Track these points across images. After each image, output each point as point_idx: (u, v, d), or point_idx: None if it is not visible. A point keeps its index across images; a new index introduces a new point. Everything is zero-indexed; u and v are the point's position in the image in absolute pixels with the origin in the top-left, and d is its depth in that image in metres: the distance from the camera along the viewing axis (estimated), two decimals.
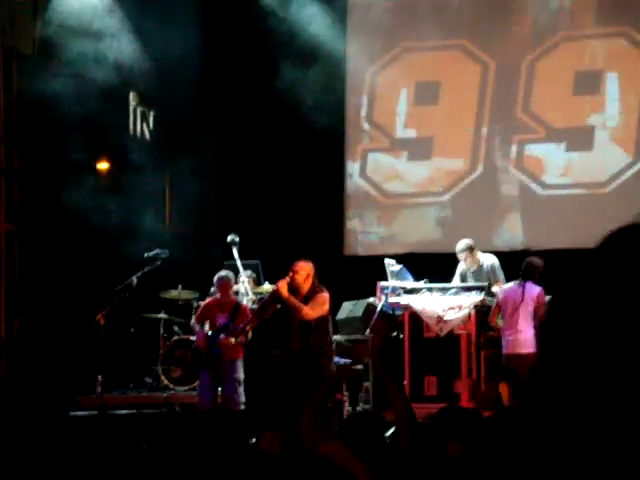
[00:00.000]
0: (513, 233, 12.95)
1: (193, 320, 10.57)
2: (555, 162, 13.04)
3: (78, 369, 11.72)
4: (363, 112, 13.64)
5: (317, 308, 9.27)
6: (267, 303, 9.76)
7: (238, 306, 10.20)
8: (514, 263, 11.64)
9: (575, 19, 12.94)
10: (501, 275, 10.76)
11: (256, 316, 9.79)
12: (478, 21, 13.27)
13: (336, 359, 10.46)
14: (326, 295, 9.35)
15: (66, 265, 12.42)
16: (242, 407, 9.91)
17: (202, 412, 9.81)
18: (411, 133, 13.51)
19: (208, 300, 10.56)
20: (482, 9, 13.29)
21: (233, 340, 9.85)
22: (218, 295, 10.33)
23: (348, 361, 10.87)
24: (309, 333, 9.33)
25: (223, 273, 10.32)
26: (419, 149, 13.43)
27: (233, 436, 7.62)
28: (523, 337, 9.53)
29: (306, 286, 9.32)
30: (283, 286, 9.27)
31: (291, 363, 9.37)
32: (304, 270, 9.32)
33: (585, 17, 12.88)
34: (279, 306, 9.55)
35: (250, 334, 9.97)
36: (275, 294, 9.51)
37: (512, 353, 9.52)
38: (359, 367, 10.84)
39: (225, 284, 10.22)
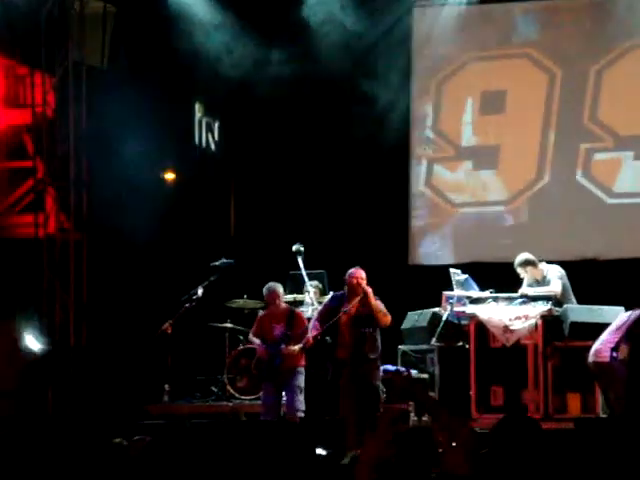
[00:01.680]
0: (581, 242, 12.82)
1: (250, 335, 10.61)
2: (623, 171, 12.91)
3: (146, 378, 11.83)
4: (429, 122, 13.62)
5: (388, 315, 9.48)
6: (327, 312, 9.84)
7: (292, 314, 10.23)
8: (583, 272, 11.56)
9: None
10: (557, 286, 10.57)
11: (321, 322, 9.86)
12: (544, 29, 13.21)
13: (402, 368, 10.47)
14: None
15: (134, 275, 12.56)
16: (302, 414, 9.95)
17: (265, 422, 9.86)
18: (477, 142, 13.46)
19: (262, 313, 10.61)
20: (548, 17, 13.21)
21: (297, 349, 9.91)
22: (271, 307, 10.38)
23: (413, 372, 10.84)
24: (361, 342, 9.50)
25: (269, 285, 10.35)
26: (485, 158, 13.38)
27: (295, 446, 7.64)
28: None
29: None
30: (370, 291, 9.48)
31: (339, 372, 9.51)
32: (362, 274, 9.55)
33: None
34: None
35: (310, 343, 9.99)
36: (336, 300, 9.63)
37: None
38: (424, 376, 10.80)
39: (273, 295, 10.27)
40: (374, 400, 9.49)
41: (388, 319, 9.59)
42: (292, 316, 10.21)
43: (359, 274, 9.62)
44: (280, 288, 10.40)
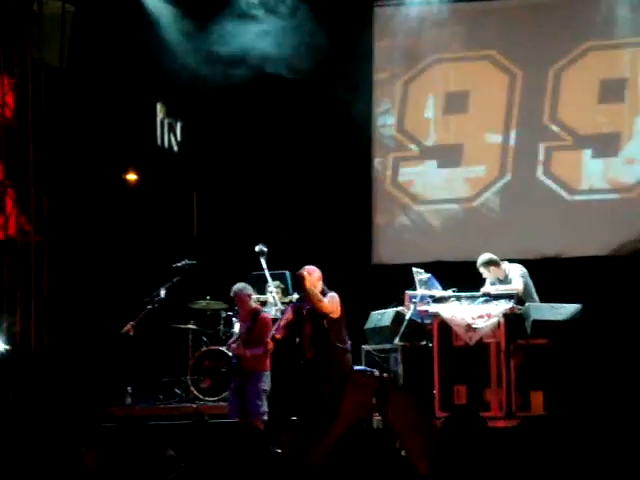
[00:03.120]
0: (543, 240, 12.90)
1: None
2: (582, 168, 13.04)
3: (109, 380, 11.76)
4: (392, 121, 13.68)
5: (332, 304, 9.35)
6: (293, 314, 9.74)
7: (256, 316, 10.20)
8: (545, 271, 11.62)
9: (602, 29, 12.97)
10: (519, 284, 10.62)
11: (285, 327, 9.73)
12: (506, 31, 13.33)
13: (363, 368, 10.46)
14: (337, 296, 9.43)
15: (95, 276, 12.48)
16: (264, 417, 9.90)
17: (229, 424, 9.83)
18: (441, 141, 13.54)
19: (240, 311, 10.65)
20: (510, 20, 13.33)
21: (248, 353, 9.88)
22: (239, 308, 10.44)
23: (375, 371, 10.84)
24: (322, 335, 9.36)
25: (235, 286, 10.34)
26: (449, 156, 13.46)
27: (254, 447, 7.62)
28: None
29: (319, 289, 9.40)
30: (306, 276, 9.31)
31: (308, 372, 9.41)
32: (316, 272, 9.44)
33: (611, 28, 12.90)
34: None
35: (271, 346, 9.89)
36: (298, 304, 9.55)
37: None
38: (388, 376, 10.80)
39: (237, 297, 10.28)
40: (334, 397, 9.38)
41: (323, 305, 9.28)
42: (255, 318, 10.19)
43: (304, 269, 9.44)
44: (245, 289, 10.38)
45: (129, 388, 11.40)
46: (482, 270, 10.83)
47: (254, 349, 9.92)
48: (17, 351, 11.60)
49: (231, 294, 10.37)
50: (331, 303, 9.37)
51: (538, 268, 11.29)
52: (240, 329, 10.30)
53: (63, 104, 12.51)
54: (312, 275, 9.41)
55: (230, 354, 10.46)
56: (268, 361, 10.05)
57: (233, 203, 13.74)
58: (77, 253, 12.48)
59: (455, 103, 13.48)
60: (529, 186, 13.20)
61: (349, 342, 9.69)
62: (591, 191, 12.98)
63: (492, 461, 4.23)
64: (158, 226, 13.31)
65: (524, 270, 10.81)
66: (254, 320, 10.11)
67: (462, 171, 13.44)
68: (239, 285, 10.33)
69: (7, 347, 11.51)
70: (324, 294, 9.43)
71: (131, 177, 13.82)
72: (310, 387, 9.43)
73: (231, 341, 10.48)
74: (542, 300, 10.70)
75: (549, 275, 11.56)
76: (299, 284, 9.49)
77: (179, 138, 14.32)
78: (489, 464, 4.22)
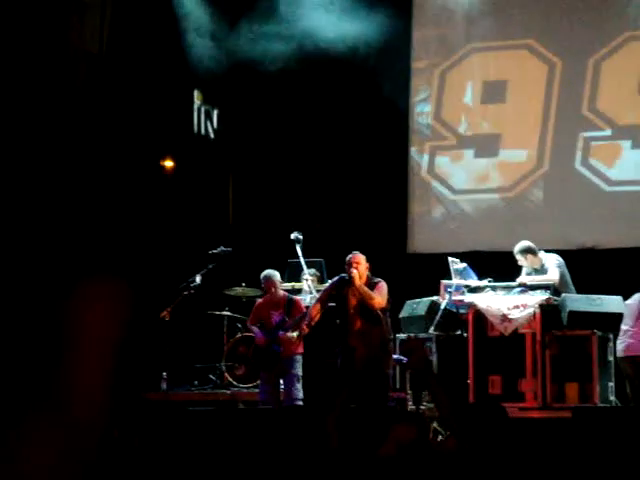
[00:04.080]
0: (580, 231, 12.84)
1: (248, 323, 10.64)
2: (621, 159, 12.95)
3: (144, 366, 11.83)
4: (429, 110, 13.66)
5: (384, 297, 9.35)
6: (329, 294, 9.70)
7: (291, 301, 10.26)
8: (582, 261, 11.56)
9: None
10: (555, 274, 10.55)
11: (320, 309, 9.69)
12: (544, 20, 13.25)
13: (399, 357, 10.46)
14: (385, 284, 9.42)
15: (132, 263, 12.53)
16: (300, 402, 9.95)
17: (264, 410, 9.85)
18: (478, 130, 13.49)
19: (259, 300, 10.62)
20: (549, 9, 13.25)
21: (295, 334, 9.87)
22: (268, 294, 10.39)
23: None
24: (374, 325, 9.33)
25: (266, 272, 10.39)
26: (486, 146, 13.42)
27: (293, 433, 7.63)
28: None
29: (365, 278, 9.39)
30: (357, 275, 9.30)
31: (350, 359, 9.35)
32: (363, 261, 9.43)
33: None
34: (333, 303, 9.57)
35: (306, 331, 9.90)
36: (342, 283, 9.50)
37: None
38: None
39: (270, 282, 10.29)
40: (383, 388, 9.39)
41: (375, 302, 9.29)
42: (290, 303, 10.24)
43: (353, 258, 9.45)
44: (277, 275, 10.43)
45: (164, 374, 11.47)
46: (519, 257, 10.78)
47: (300, 331, 9.90)
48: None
49: (262, 279, 10.39)
50: (382, 296, 9.36)
51: (575, 259, 11.24)
52: (271, 317, 10.25)
53: (101, 91, 12.55)
54: (361, 264, 9.41)
55: (257, 344, 10.35)
56: (301, 346, 10.09)
57: (269, 190, 13.77)
58: (114, 239, 12.53)
59: (493, 92, 13.43)
60: (567, 176, 13.13)
61: (391, 332, 9.70)
62: (630, 182, 12.89)
63: (513, 451, 4.23)
64: (194, 213, 13.36)
65: (561, 260, 10.75)
66: (290, 306, 10.15)
67: (499, 161, 13.41)
68: (270, 271, 10.37)
69: None
70: (372, 282, 9.42)
71: (168, 164, 13.87)
72: (350, 376, 9.38)
73: (256, 331, 10.35)
74: (579, 291, 10.64)
75: (586, 266, 11.51)
76: (349, 282, 9.46)
77: (215, 125, 14.34)
78: (509, 454, 4.22)
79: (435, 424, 9.48)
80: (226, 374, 11.70)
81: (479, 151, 13.47)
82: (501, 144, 13.36)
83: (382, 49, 12.93)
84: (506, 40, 13.45)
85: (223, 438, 7.98)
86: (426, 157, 13.66)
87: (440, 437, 9.23)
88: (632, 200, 12.80)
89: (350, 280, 9.38)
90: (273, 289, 10.35)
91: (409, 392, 10.61)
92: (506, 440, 4.33)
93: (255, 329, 10.37)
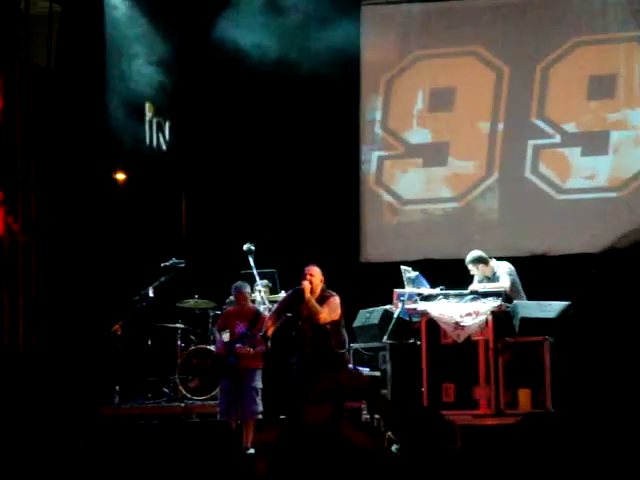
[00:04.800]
0: (531, 238, 12.90)
1: (215, 328, 10.68)
2: (571, 166, 13.02)
3: (97, 380, 11.74)
4: (378, 119, 13.65)
5: (332, 312, 9.42)
6: (286, 305, 9.78)
7: (257, 315, 10.27)
8: (533, 268, 11.63)
9: (588, 24, 12.96)
10: (507, 282, 10.61)
11: (275, 320, 9.77)
12: (491, 27, 13.29)
13: (352, 366, 10.48)
14: (338, 299, 9.54)
15: (83, 276, 12.45)
16: (259, 416, 9.93)
17: (219, 422, 9.82)
18: (426, 139, 13.51)
19: (229, 308, 10.66)
20: (495, 15, 13.30)
21: (252, 350, 9.90)
22: (238, 305, 10.44)
23: (365, 369, 10.85)
24: (323, 338, 9.41)
25: (239, 283, 10.47)
26: (435, 155, 13.43)
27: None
28: None
29: (318, 290, 9.46)
30: (307, 287, 9.38)
31: (305, 368, 9.41)
32: (318, 274, 9.51)
33: (599, 23, 12.89)
34: (289, 314, 9.62)
35: (269, 343, 9.96)
36: (296, 296, 9.57)
37: None
38: (376, 374, 10.81)
39: (241, 294, 10.33)
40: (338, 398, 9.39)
41: (321, 316, 9.44)
42: (256, 317, 10.25)
43: (307, 270, 9.59)
44: (247, 287, 10.54)
45: (117, 387, 11.39)
46: (470, 267, 10.84)
47: (258, 347, 9.94)
48: (4, 352, 11.57)
49: (232, 291, 10.44)
50: (330, 311, 9.46)
51: (526, 266, 11.30)
52: (236, 328, 10.26)
53: (51, 104, 12.47)
54: (315, 277, 9.49)
55: (217, 353, 10.40)
56: (260, 359, 10.09)
57: (221, 202, 13.74)
58: (65, 253, 12.44)
59: (441, 100, 13.43)
60: (517, 185, 13.18)
61: (348, 344, 9.75)
62: (580, 190, 12.96)
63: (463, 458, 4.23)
64: (147, 225, 13.29)
65: (512, 268, 10.82)
66: (256, 319, 10.15)
67: (448, 170, 13.41)
68: (240, 283, 10.45)
69: None
70: (325, 296, 9.51)
71: (120, 176, 13.79)
72: (304, 385, 9.42)
73: (219, 339, 10.45)
74: (530, 298, 10.70)
75: (536, 273, 11.58)
76: (300, 294, 9.53)
77: (167, 138, 14.29)
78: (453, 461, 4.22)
79: (389, 433, 9.48)
80: (180, 387, 11.64)
81: (427, 160, 13.47)
82: (450, 152, 13.37)
83: (331, 59, 12.93)
84: (453, 47, 13.45)
85: (175, 452, 7.94)
86: (375, 167, 13.66)
87: (395, 446, 9.23)
88: (582, 207, 12.88)
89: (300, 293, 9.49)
90: (242, 301, 10.37)
91: (363, 402, 10.59)
92: (445, 445, 4.32)
93: (218, 337, 10.40)
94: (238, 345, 10.06)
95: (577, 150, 13.00)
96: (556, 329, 10.19)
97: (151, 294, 11.36)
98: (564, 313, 10.24)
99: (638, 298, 1.81)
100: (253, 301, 11.29)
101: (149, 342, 12.14)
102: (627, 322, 1.80)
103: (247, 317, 10.23)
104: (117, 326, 11.04)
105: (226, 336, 10.35)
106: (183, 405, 11.45)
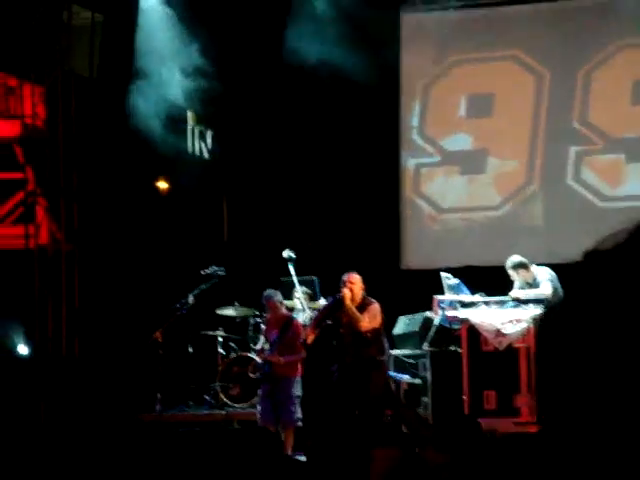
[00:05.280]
0: (572, 245, 12.75)
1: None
2: (614, 173, 12.85)
3: (138, 387, 11.80)
4: (415, 125, 13.59)
5: (372, 319, 9.41)
6: (326, 313, 9.79)
7: (288, 322, 10.23)
8: (574, 276, 11.50)
9: (631, 27, 12.79)
10: (548, 288, 10.50)
11: (315, 328, 9.78)
12: (530, 30, 13.17)
13: (393, 373, 10.46)
14: (378, 306, 9.51)
15: (125, 284, 12.53)
16: (298, 424, 9.91)
17: (260, 429, 9.84)
18: (465, 145, 13.42)
19: (267, 316, 10.67)
20: (535, 20, 13.19)
21: (282, 359, 9.88)
22: (271, 312, 10.45)
23: (405, 376, 10.82)
24: (363, 345, 9.40)
25: (268, 292, 10.42)
26: (473, 162, 13.34)
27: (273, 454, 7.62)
28: None
29: (359, 298, 9.44)
30: (347, 295, 9.37)
31: (346, 376, 9.40)
32: (358, 281, 9.49)
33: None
34: (330, 322, 9.62)
35: (304, 353, 9.95)
36: (336, 303, 9.56)
37: None
38: (417, 381, 10.77)
39: (270, 302, 10.32)
40: (377, 404, 9.41)
41: (362, 324, 9.44)
42: (287, 324, 10.21)
43: (348, 278, 9.57)
44: (277, 295, 10.45)
45: (159, 395, 11.43)
46: (511, 272, 10.75)
47: (288, 356, 9.93)
48: (48, 359, 11.67)
49: (262, 300, 10.43)
50: (370, 319, 9.45)
51: (567, 272, 11.17)
52: (270, 336, 10.28)
53: (93, 113, 12.58)
54: (356, 285, 9.47)
55: (260, 361, 10.44)
56: (299, 367, 10.07)
57: (262, 210, 13.77)
58: (107, 261, 12.53)
59: (479, 106, 13.33)
60: (558, 192, 13.04)
61: (388, 351, 9.72)
62: (624, 198, 12.77)
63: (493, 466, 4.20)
64: (188, 233, 13.35)
65: (553, 274, 10.71)
66: (287, 326, 10.13)
67: (487, 177, 13.32)
68: (270, 291, 10.40)
69: (27, 351, 11.62)
70: (365, 304, 9.49)
71: (162, 185, 13.88)
72: (345, 394, 9.44)
73: (258, 348, 10.50)
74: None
75: (577, 280, 11.44)
76: (340, 302, 9.52)
77: (210, 146, 14.36)
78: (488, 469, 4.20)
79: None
80: (221, 394, 11.65)
81: (466, 167, 13.37)
82: (489, 159, 13.26)
83: (371, 65, 12.92)
84: (492, 52, 13.34)
85: (216, 458, 7.95)
86: (413, 174, 13.59)
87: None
88: (625, 215, 12.69)
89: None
90: (273, 309, 10.36)
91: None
92: (483, 454, 4.30)
93: (259, 346, 10.53)
94: (268, 353, 10.08)
95: (621, 157, 12.82)
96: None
97: (191, 301, 11.39)
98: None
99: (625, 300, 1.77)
100: (292, 308, 11.29)
101: (190, 349, 12.17)
102: (618, 324, 1.77)
103: (279, 324, 10.23)
104: (158, 333, 11.08)
105: (260, 344, 10.38)
106: (224, 412, 11.46)
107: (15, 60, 12.27)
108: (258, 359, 10.58)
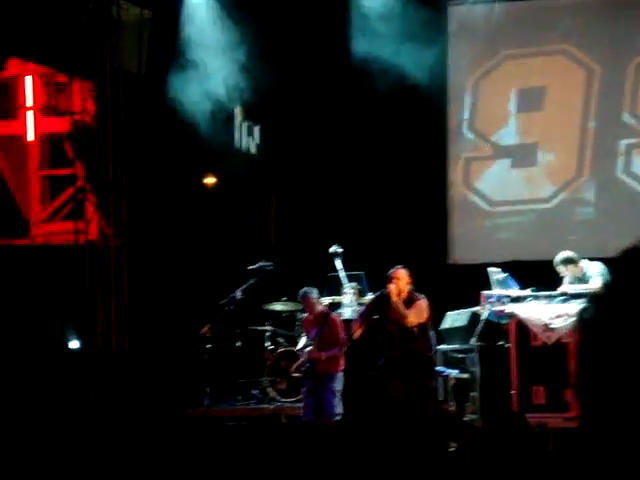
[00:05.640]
0: (622, 238, 12.62)
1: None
2: None
3: (187, 382, 11.87)
4: (465, 120, 13.56)
5: (419, 315, 9.35)
6: (372, 308, 9.76)
7: (326, 318, 10.23)
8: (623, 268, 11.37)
9: None
10: (598, 282, 10.39)
11: (362, 323, 9.74)
12: (581, 25, 13.10)
13: (441, 369, 10.43)
14: (425, 302, 9.46)
15: (173, 279, 12.61)
16: (337, 418, 9.91)
17: (303, 424, 9.88)
18: (515, 140, 13.37)
19: (306, 314, 10.67)
20: (586, 13, 13.10)
21: (323, 355, 9.91)
22: (308, 310, 10.51)
23: (454, 372, 10.78)
24: (410, 340, 9.36)
25: (303, 289, 10.45)
26: (523, 156, 13.28)
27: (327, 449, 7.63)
28: None
29: (406, 292, 9.40)
30: (394, 290, 9.33)
31: (393, 371, 9.37)
32: (405, 276, 9.44)
33: None
34: (376, 317, 9.59)
35: (345, 347, 9.96)
36: (382, 298, 9.53)
37: None
38: (466, 376, 10.73)
39: (306, 299, 10.33)
40: (425, 399, 9.38)
41: (408, 320, 9.37)
42: (324, 319, 10.23)
43: (394, 274, 9.52)
44: (313, 292, 10.44)
45: (207, 389, 11.50)
46: (559, 268, 10.66)
47: (329, 351, 9.95)
48: (98, 354, 11.79)
49: (298, 298, 10.47)
50: (417, 314, 9.39)
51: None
52: (310, 333, 10.31)
53: (142, 109, 12.66)
54: (401, 280, 9.43)
55: (302, 358, 10.44)
56: (342, 361, 10.07)
57: (310, 205, 13.77)
58: (156, 256, 12.62)
59: (530, 100, 13.27)
60: (608, 185, 12.95)
61: (435, 346, 9.67)
62: None
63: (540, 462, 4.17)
64: (236, 229, 13.40)
65: (604, 268, 10.60)
66: (325, 322, 10.14)
67: (537, 171, 13.24)
68: (306, 289, 10.43)
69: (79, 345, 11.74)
70: (412, 299, 9.44)
71: (209, 180, 13.93)
72: (391, 386, 9.40)
73: (299, 347, 10.55)
74: None
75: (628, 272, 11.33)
76: (386, 297, 9.48)
77: (257, 141, 14.38)
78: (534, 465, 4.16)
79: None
80: (269, 389, 11.69)
81: (516, 161, 13.32)
82: (539, 153, 13.20)
83: (419, 60, 12.88)
84: (542, 46, 13.27)
85: (265, 453, 7.98)
86: (462, 168, 13.56)
87: None
88: None
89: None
90: (309, 307, 10.39)
91: (452, 404, 10.54)
92: (528, 450, 4.27)
93: (300, 345, 10.51)
94: (309, 349, 10.10)
95: None
96: None
97: (239, 296, 11.43)
98: None
99: None
100: (340, 304, 11.30)
101: (238, 344, 12.22)
102: None
103: (318, 321, 10.25)
104: (206, 328, 11.14)
105: (302, 342, 10.41)
106: (272, 407, 11.49)
107: (64, 56, 12.39)
108: (300, 358, 10.56)
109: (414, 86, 12.86)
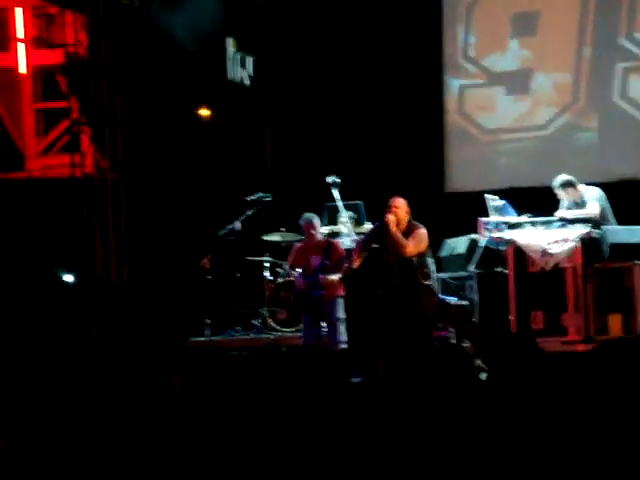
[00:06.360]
0: (619, 163, 12.67)
1: (288, 266, 10.69)
2: None
3: (187, 313, 11.93)
4: (459, 47, 13.47)
5: (418, 244, 9.36)
6: (371, 237, 9.75)
7: (330, 245, 10.25)
8: (622, 194, 11.43)
9: None
10: (595, 208, 10.43)
11: (360, 253, 9.72)
12: None
13: (441, 296, 10.47)
14: (424, 231, 9.44)
15: (170, 211, 12.61)
16: (343, 346, 9.97)
17: (305, 348, 9.92)
18: (510, 66, 13.28)
19: (298, 244, 10.62)
20: None
21: (335, 277, 9.90)
22: (307, 238, 10.41)
23: (452, 299, 10.84)
24: (409, 270, 9.37)
25: (305, 215, 10.39)
26: (519, 82, 13.22)
27: (334, 375, 7.68)
28: None
29: (404, 222, 9.39)
30: (392, 220, 9.32)
31: (392, 299, 9.40)
32: (403, 205, 9.42)
33: None
34: (375, 246, 9.59)
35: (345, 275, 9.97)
36: (381, 228, 9.52)
37: None
38: (464, 303, 10.79)
39: (309, 226, 10.29)
40: (424, 328, 9.43)
41: (406, 250, 9.30)
42: (329, 247, 10.23)
43: (392, 202, 9.47)
44: (316, 219, 10.42)
45: (207, 320, 11.55)
46: (558, 191, 10.67)
47: (339, 273, 9.94)
48: (97, 286, 11.83)
49: (300, 222, 10.41)
50: (416, 244, 9.36)
51: (615, 191, 11.11)
52: (312, 261, 10.26)
53: (135, 41, 12.56)
54: (400, 209, 9.42)
55: (299, 290, 10.35)
56: (343, 288, 10.10)
57: (306, 135, 13.73)
58: (153, 189, 12.61)
59: (523, 24, 13.13)
60: (604, 110, 12.90)
61: (434, 274, 9.67)
62: None
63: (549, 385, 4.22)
64: (232, 160, 13.37)
65: (601, 193, 10.63)
66: (329, 249, 10.15)
67: (533, 97, 13.17)
68: (308, 215, 10.37)
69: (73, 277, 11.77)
70: (411, 228, 9.43)
71: (204, 112, 13.86)
72: (393, 317, 9.43)
73: (297, 276, 10.39)
74: (619, 223, 10.55)
75: (626, 198, 11.39)
76: (385, 227, 9.45)
77: (251, 72, 14.29)
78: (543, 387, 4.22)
79: (479, 361, 9.48)
80: (269, 319, 11.75)
81: (511, 88, 13.24)
82: (533, 79, 13.12)
83: None
84: None
85: (266, 381, 8.04)
86: (457, 96, 13.50)
87: (484, 374, 9.24)
88: None
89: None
90: (312, 232, 10.34)
91: (451, 330, 10.60)
92: (540, 374, 4.32)
93: (295, 273, 10.40)
94: (321, 276, 10.07)
95: None
96: None
97: (238, 227, 11.41)
98: None
99: None
100: (338, 233, 11.31)
101: (237, 275, 12.25)
102: None
103: (320, 248, 10.22)
104: (205, 260, 11.14)
105: (301, 272, 10.34)
106: (272, 337, 11.56)
107: None
108: (298, 288, 10.41)
109: (409, 13, 12.77)
